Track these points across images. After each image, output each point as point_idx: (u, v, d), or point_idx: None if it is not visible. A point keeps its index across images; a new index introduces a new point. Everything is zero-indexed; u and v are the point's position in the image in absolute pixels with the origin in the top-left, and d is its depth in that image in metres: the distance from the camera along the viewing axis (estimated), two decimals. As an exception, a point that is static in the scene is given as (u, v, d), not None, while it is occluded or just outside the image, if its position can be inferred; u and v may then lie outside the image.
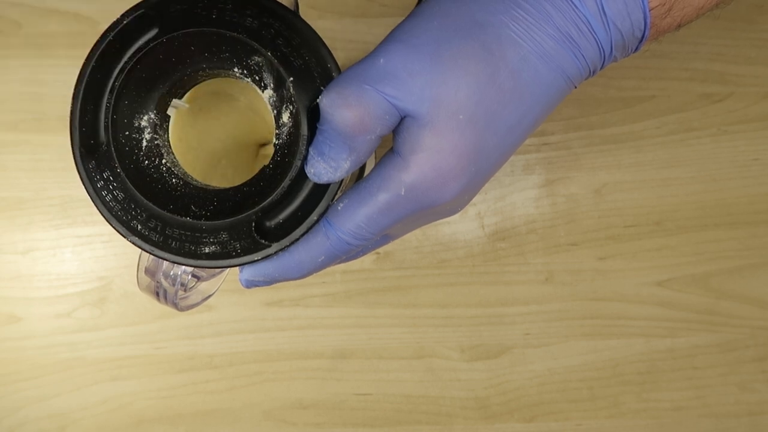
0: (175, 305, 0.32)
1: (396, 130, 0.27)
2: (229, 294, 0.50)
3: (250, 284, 0.29)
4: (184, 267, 0.32)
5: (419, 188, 0.27)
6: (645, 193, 0.49)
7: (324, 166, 0.27)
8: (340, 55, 0.49)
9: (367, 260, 0.50)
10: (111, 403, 0.50)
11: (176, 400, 0.50)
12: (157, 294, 0.32)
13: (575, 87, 0.28)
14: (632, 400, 0.49)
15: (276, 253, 0.28)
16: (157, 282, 0.32)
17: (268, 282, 0.29)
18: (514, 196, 0.50)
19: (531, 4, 0.26)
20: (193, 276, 0.33)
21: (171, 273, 0.32)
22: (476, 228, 0.50)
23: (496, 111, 0.26)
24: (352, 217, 0.27)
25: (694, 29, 0.49)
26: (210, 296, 0.38)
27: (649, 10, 0.26)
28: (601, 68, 0.29)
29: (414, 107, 0.26)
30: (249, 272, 0.29)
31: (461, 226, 0.50)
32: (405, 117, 0.27)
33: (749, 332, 0.49)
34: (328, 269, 0.49)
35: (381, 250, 0.49)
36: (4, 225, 0.50)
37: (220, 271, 0.36)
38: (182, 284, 0.32)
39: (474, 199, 0.49)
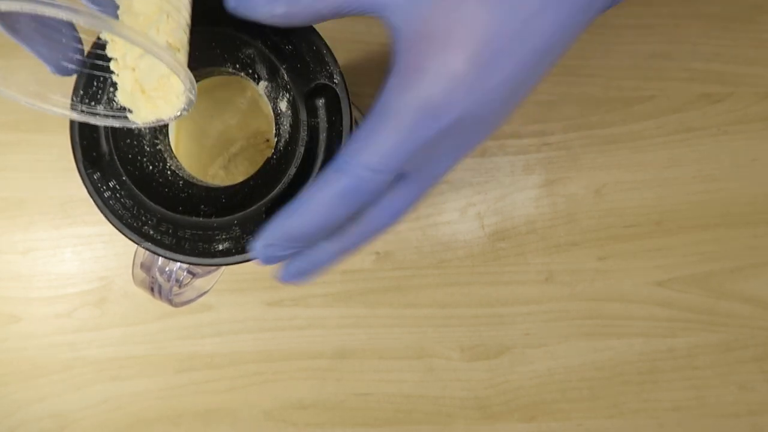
0: (170, 301, 0.33)
1: (392, 35, 0.24)
2: (229, 294, 0.50)
3: (267, 255, 0.25)
4: (179, 263, 0.32)
5: (419, 90, 0.23)
6: (645, 193, 0.49)
7: None
8: (341, 55, 0.49)
9: (367, 260, 0.50)
10: (111, 403, 0.50)
11: (176, 400, 0.50)
12: (152, 289, 0.32)
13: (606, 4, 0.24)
14: (632, 400, 0.49)
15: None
16: (152, 277, 0.32)
17: (288, 242, 0.25)
18: (514, 196, 0.50)
19: None
20: (189, 272, 0.33)
21: (166, 269, 0.32)
22: (476, 228, 0.50)
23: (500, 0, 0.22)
24: (367, 145, 0.23)
25: (694, 29, 0.49)
26: (205, 293, 0.38)
27: None
28: None
29: None
30: (263, 239, 0.25)
31: (461, 226, 0.50)
32: (389, 19, 0.23)
33: (749, 332, 0.49)
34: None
35: (381, 249, 0.49)
36: (4, 225, 0.50)
37: (216, 268, 0.36)
38: (177, 280, 0.32)
39: (474, 199, 0.49)
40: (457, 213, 0.50)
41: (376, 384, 0.49)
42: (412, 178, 0.26)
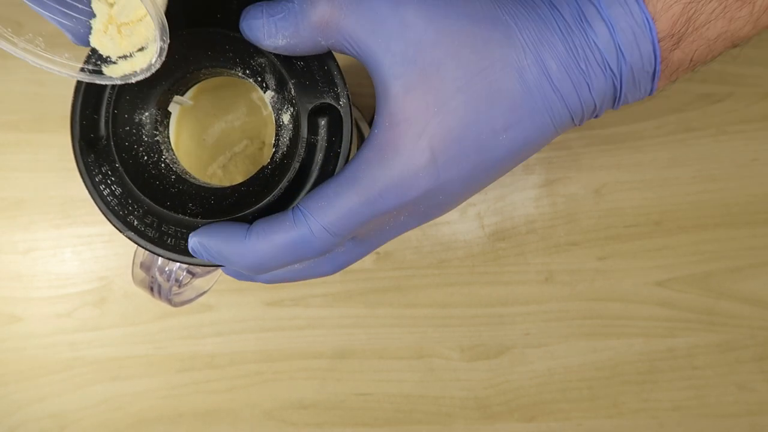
0: (169, 300, 0.33)
1: (377, 105, 0.26)
2: (229, 294, 0.50)
3: (194, 251, 0.27)
4: (179, 263, 0.32)
5: (383, 174, 0.25)
6: (645, 193, 0.49)
7: (263, 23, 0.25)
8: (341, 56, 0.49)
9: (367, 260, 0.50)
10: (111, 403, 0.50)
11: (176, 400, 0.50)
12: (152, 289, 0.32)
13: (574, 122, 0.27)
14: (632, 400, 0.49)
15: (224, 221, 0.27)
16: (152, 277, 0.32)
17: (218, 258, 0.27)
18: (514, 196, 0.50)
19: (545, 17, 0.25)
20: (188, 272, 0.33)
21: (166, 269, 0.32)
22: (476, 228, 0.50)
23: (479, 107, 0.25)
24: (331, 205, 0.25)
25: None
26: (204, 293, 0.38)
27: (658, 41, 0.25)
28: (616, 104, 0.27)
29: (388, 60, 0.25)
30: (199, 237, 0.27)
31: (461, 226, 0.50)
32: (378, 81, 0.26)
33: (749, 332, 0.49)
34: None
35: (381, 249, 0.50)
36: (4, 225, 0.50)
37: (215, 269, 0.36)
38: (177, 280, 0.32)
39: (474, 199, 0.49)
40: (457, 213, 0.50)
41: (376, 384, 0.49)
42: (360, 241, 0.28)
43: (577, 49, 0.25)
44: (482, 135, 0.25)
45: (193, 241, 0.27)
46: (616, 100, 0.27)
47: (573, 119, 0.27)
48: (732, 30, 0.26)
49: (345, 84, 0.28)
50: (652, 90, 0.27)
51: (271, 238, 0.26)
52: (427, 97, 0.25)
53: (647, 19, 0.25)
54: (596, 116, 0.28)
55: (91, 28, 0.25)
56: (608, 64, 0.25)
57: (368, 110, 0.49)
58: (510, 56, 0.25)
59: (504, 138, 0.26)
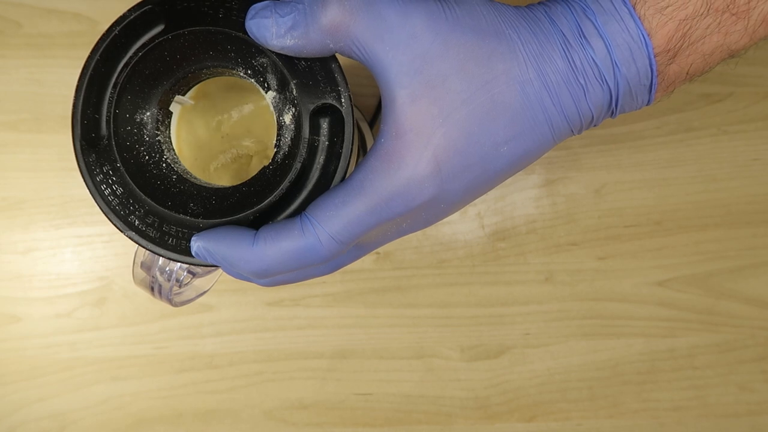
0: (170, 300, 0.33)
1: (382, 116, 0.27)
2: (229, 294, 0.50)
3: (197, 254, 0.27)
4: (179, 263, 0.32)
5: (390, 181, 0.26)
6: (645, 193, 0.49)
7: (272, 22, 0.26)
8: (342, 57, 0.49)
9: (367, 260, 0.50)
10: (111, 403, 0.50)
11: (176, 400, 0.50)
12: (152, 289, 0.32)
13: (573, 133, 0.28)
14: (632, 400, 0.49)
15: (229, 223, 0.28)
16: (153, 277, 0.32)
17: (221, 261, 0.27)
18: (514, 196, 0.50)
19: (546, 33, 0.26)
20: (189, 272, 0.33)
21: (167, 268, 0.32)
22: (476, 228, 0.50)
23: (483, 120, 0.26)
24: (338, 215, 0.26)
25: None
26: (204, 293, 0.38)
27: (654, 57, 0.26)
28: (613, 114, 0.28)
29: (395, 69, 0.25)
30: (203, 241, 0.27)
31: (461, 226, 0.50)
32: (384, 88, 0.26)
33: (749, 332, 0.49)
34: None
35: (381, 250, 0.49)
36: (4, 225, 0.50)
37: (216, 269, 0.36)
38: (177, 280, 0.32)
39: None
40: (457, 213, 0.50)
41: (376, 384, 0.49)
42: (361, 245, 0.29)
43: (575, 64, 0.26)
44: (485, 147, 0.26)
45: (198, 245, 0.27)
46: (613, 111, 0.28)
47: (572, 130, 0.27)
48: (728, 43, 0.27)
49: (347, 85, 0.28)
50: (649, 101, 0.28)
51: (279, 246, 0.26)
52: (433, 109, 0.25)
53: (643, 35, 0.26)
54: (594, 125, 0.28)
55: None
56: (606, 79, 0.26)
57: (368, 111, 0.49)
58: (513, 70, 0.26)
59: (505, 150, 0.26)
